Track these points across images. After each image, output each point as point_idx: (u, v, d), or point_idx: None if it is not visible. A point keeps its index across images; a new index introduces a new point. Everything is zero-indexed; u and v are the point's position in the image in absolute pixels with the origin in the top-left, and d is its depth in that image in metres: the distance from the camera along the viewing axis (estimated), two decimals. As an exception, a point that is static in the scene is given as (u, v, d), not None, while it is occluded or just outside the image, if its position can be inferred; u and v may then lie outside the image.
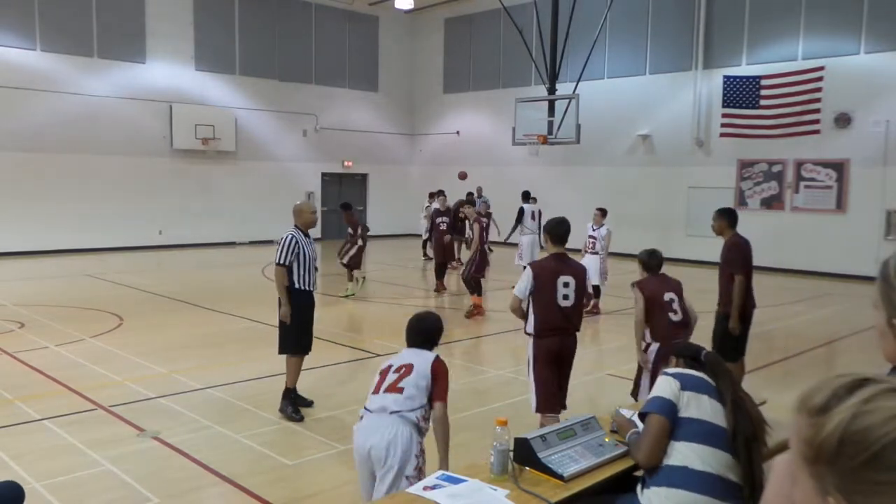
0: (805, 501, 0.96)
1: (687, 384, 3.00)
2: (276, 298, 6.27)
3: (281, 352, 6.33)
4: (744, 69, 17.16)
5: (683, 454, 2.84)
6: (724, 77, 16.96)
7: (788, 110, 16.28)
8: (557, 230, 5.18)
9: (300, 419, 6.09)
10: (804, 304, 12.81)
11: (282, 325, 6.25)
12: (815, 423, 0.95)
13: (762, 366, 8.14)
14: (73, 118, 18.17)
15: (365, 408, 3.70)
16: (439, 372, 3.72)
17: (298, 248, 6.20)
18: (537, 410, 5.07)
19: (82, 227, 18.35)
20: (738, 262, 6.24)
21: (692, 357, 3.22)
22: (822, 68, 15.86)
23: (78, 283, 13.68)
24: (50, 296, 12.13)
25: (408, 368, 3.69)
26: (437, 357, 3.79)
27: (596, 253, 11.29)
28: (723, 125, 17.20)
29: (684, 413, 2.92)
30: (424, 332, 3.93)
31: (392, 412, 3.56)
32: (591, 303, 11.17)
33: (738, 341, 6.40)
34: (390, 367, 3.76)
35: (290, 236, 6.24)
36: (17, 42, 17.43)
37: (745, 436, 2.85)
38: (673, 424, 2.91)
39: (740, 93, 16.73)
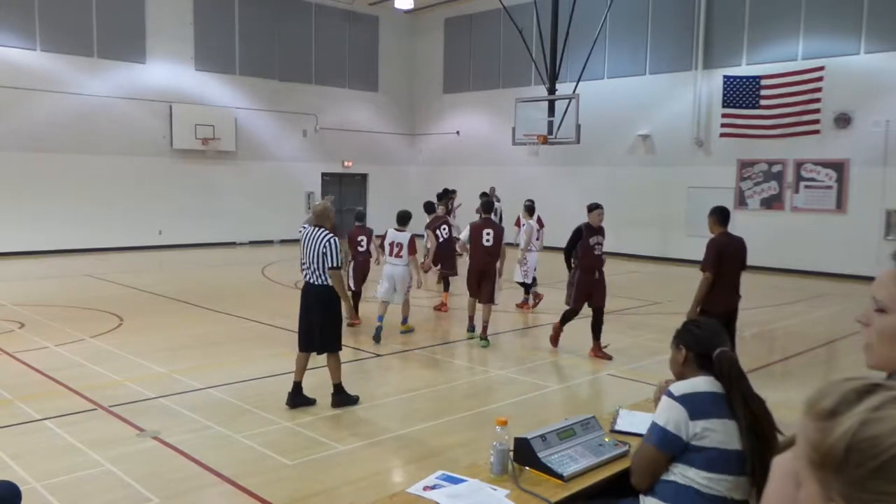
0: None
1: (696, 411, 2.70)
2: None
3: (333, 350, 6.43)
4: (744, 69, 17.16)
5: (690, 478, 2.71)
6: (724, 77, 16.96)
7: (788, 110, 16.29)
8: (487, 207, 9.53)
9: (357, 399, 6.49)
10: (804, 304, 12.81)
11: (333, 325, 6.37)
12: (823, 429, 0.93)
13: (762, 366, 8.14)
14: (73, 118, 18.17)
15: (387, 261, 9.26)
16: (412, 243, 9.16)
17: None
18: (471, 295, 9.41)
19: (82, 227, 18.35)
20: (708, 260, 6.37)
21: (703, 353, 2.88)
22: (822, 68, 15.86)
23: (78, 283, 13.68)
24: (50, 296, 12.13)
25: (400, 246, 9.13)
26: (411, 235, 9.21)
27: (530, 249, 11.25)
28: (723, 125, 17.21)
29: (695, 442, 2.69)
30: (406, 218, 9.36)
31: (401, 265, 9.13)
32: (523, 299, 11.73)
33: (731, 339, 6.43)
34: (392, 243, 9.18)
35: (335, 238, 6.31)
36: (17, 42, 17.43)
37: (760, 458, 2.66)
38: (676, 453, 2.73)
39: (740, 93, 16.74)
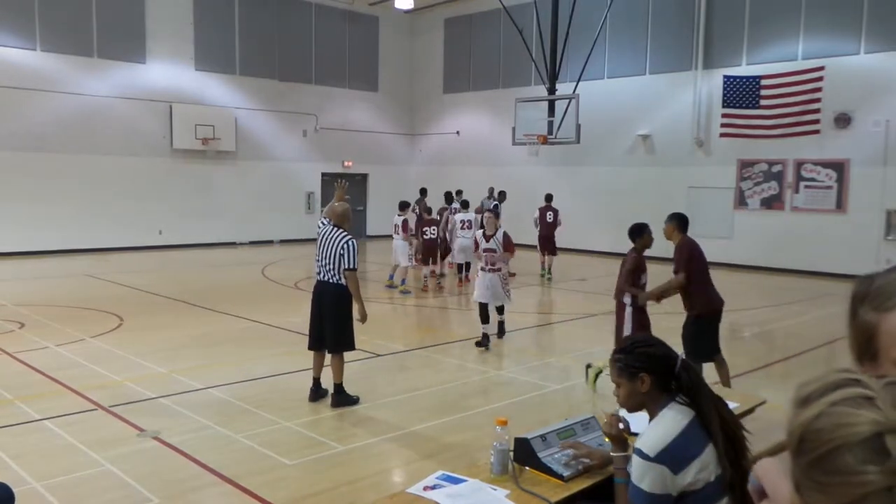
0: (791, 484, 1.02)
1: (679, 463, 2.48)
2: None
3: (346, 350, 6.49)
4: (744, 69, 17.16)
5: None
6: (724, 77, 16.96)
7: (788, 110, 16.28)
8: (548, 198, 15.69)
9: (357, 400, 6.52)
10: (804, 304, 12.81)
11: (346, 323, 6.43)
12: (794, 414, 0.99)
13: (762, 366, 8.15)
14: (73, 118, 18.17)
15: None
16: (405, 224, 13.34)
17: None
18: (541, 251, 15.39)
19: (82, 227, 18.35)
20: (680, 262, 6.38)
21: (666, 372, 2.62)
22: (822, 68, 15.85)
23: (78, 283, 13.68)
24: (50, 296, 12.13)
25: (398, 227, 13.37)
26: (405, 218, 13.43)
27: (497, 270, 8.95)
28: (723, 125, 17.20)
29: (690, 489, 2.51)
30: (405, 205, 13.65)
31: (399, 240, 13.32)
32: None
33: (709, 340, 6.40)
34: (396, 225, 13.38)
35: (353, 240, 6.37)
36: (17, 42, 17.42)
37: (739, 472, 2.55)
38: None
39: (740, 93, 16.73)
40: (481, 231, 9.30)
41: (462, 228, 13.90)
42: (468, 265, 13.92)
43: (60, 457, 5.17)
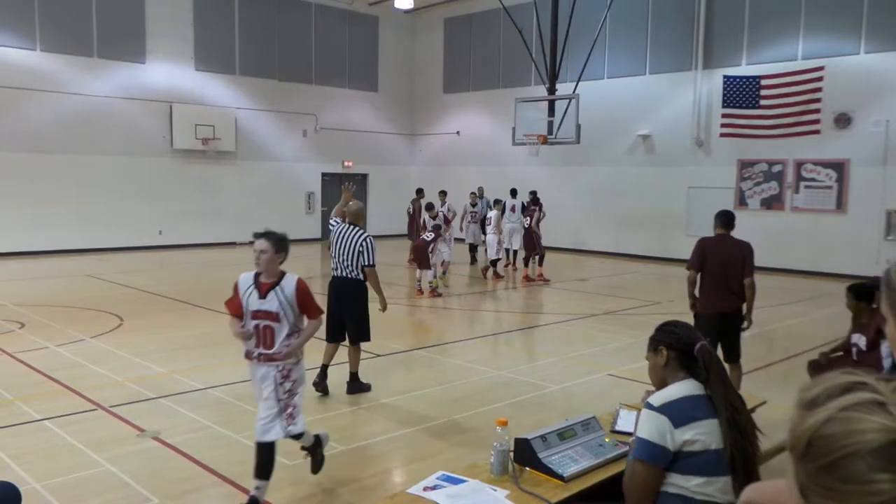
0: (788, 485, 1.00)
1: (678, 418, 2.64)
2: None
3: (362, 341, 6.87)
4: (744, 69, 17.16)
5: (680, 485, 2.66)
6: (724, 77, 16.96)
7: (788, 110, 16.28)
8: (532, 193, 15.96)
9: (369, 387, 6.91)
10: (804, 304, 12.81)
11: (366, 316, 6.81)
12: (800, 417, 0.97)
13: (762, 366, 8.15)
14: (73, 118, 18.17)
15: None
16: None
17: None
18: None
19: (82, 227, 18.35)
20: (691, 258, 6.53)
21: (685, 350, 2.82)
22: (822, 68, 15.85)
23: (78, 283, 13.68)
24: (50, 296, 12.13)
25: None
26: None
27: (273, 360, 4.12)
28: (723, 125, 17.20)
29: (686, 448, 2.64)
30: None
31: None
32: None
33: (729, 342, 6.37)
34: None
35: (370, 238, 6.71)
36: (17, 42, 17.42)
37: (742, 455, 2.66)
38: (666, 464, 2.66)
39: (740, 93, 16.74)
40: (250, 274, 4.61)
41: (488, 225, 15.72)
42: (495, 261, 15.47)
43: (60, 457, 5.17)
